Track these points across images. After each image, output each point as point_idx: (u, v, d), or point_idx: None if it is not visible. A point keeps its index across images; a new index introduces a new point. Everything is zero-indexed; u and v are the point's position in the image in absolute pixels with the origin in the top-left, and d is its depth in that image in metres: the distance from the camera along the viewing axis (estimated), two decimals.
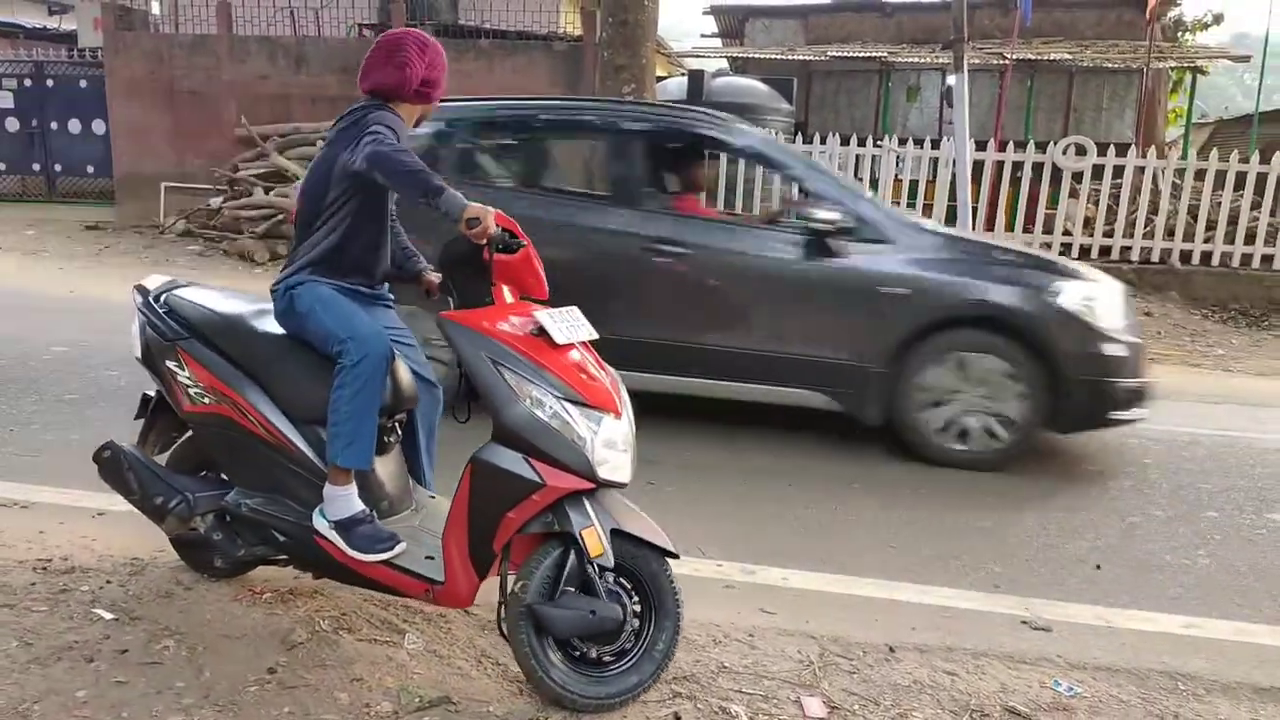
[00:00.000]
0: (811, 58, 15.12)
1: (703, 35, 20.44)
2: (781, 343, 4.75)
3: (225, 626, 2.74)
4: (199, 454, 2.90)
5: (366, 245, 2.72)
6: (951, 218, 10.87)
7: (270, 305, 2.76)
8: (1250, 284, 10.32)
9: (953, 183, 10.69)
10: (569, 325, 2.47)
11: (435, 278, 2.88)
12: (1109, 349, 4.59)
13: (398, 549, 2.55)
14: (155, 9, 14.27)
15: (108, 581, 2.98)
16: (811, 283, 4.73)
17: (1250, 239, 10.46)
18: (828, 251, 4.68)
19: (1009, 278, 4.63)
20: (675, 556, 2.47)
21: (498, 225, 2.39)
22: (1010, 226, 10.97)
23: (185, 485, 2.74)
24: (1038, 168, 10.91)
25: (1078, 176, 10.83)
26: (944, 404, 4.63)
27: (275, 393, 2.65)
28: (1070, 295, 4.60)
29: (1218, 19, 19.02)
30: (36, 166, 14.59)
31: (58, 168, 14.57)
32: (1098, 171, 10.81)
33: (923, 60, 14.74)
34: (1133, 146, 11.22)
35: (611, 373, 2.54)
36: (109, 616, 2.75)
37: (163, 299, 2.82)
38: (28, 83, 14.32)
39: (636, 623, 2.44)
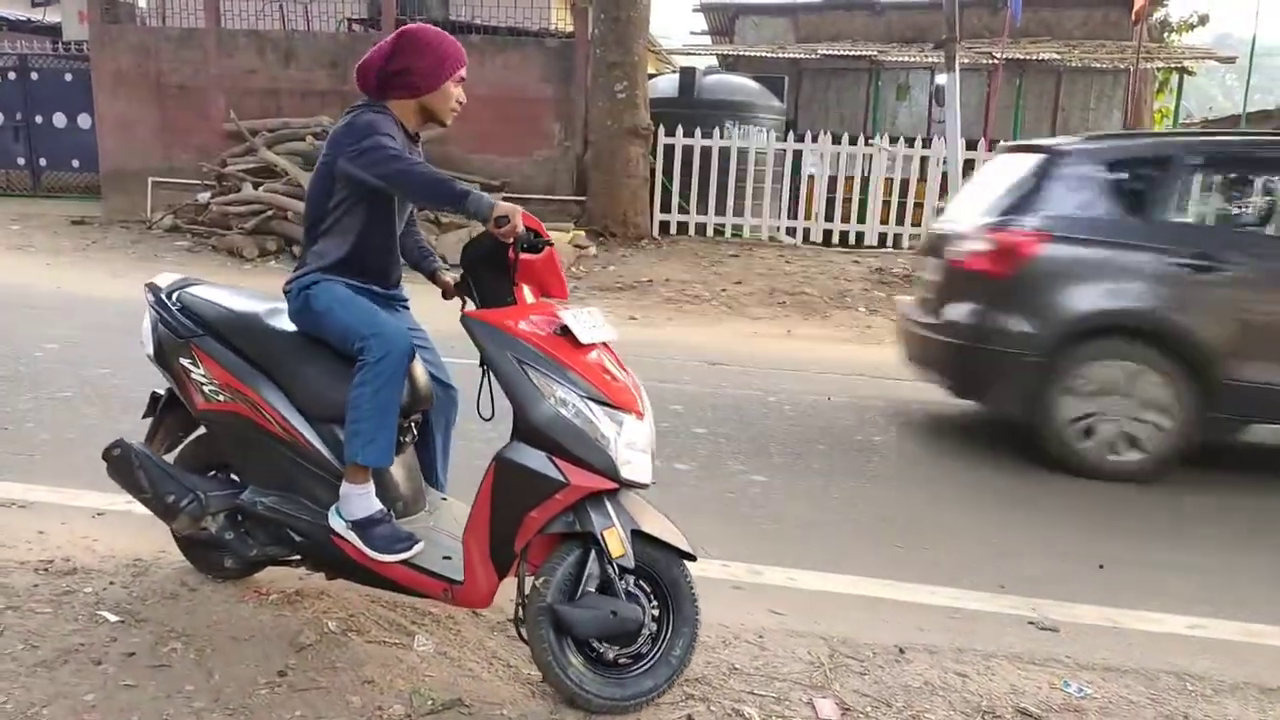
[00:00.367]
0: (801, 56, 15.16)
1: (692, 33, 20.45)
2: None
3: (233, 628, 2.72)
4: (208, 453, 2.87)
5: (379, 248, 2.70)
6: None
7: (284, 303, 2.74)
8: None
9: (943, 182, 10.76)
10: (591, 325, 2.46)
11: (450, 278, 2.87)
12: None
13: (416, 549, 2.53)
14: (141, 2, 14.12)
15: (111, 583, 2.95)
16: None
17: None
18: None
19: None
20: (693, 559, 2.46)
21: (524, 224, 2.38)
22: None
23: (197, 484, 2.71)
24: None
25: None
26: None
27: (291, 390, 2.63)
28: None
29: (1203, 20, 19.18)
30: (21, 161, 14.44)
31: (43, 162, 14.43)
32: None
33: (912, 59, 14.80)
34: None
35: (632, 374, 2.53)
36: (114, 618, 2.72)
37: (175, 296, 2.79)
38: (11, 76, 14.17)
39: (654, 626, 2.43)
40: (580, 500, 2.36)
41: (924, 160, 11.24)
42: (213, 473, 2.86)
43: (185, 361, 2.70)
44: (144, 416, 2.95)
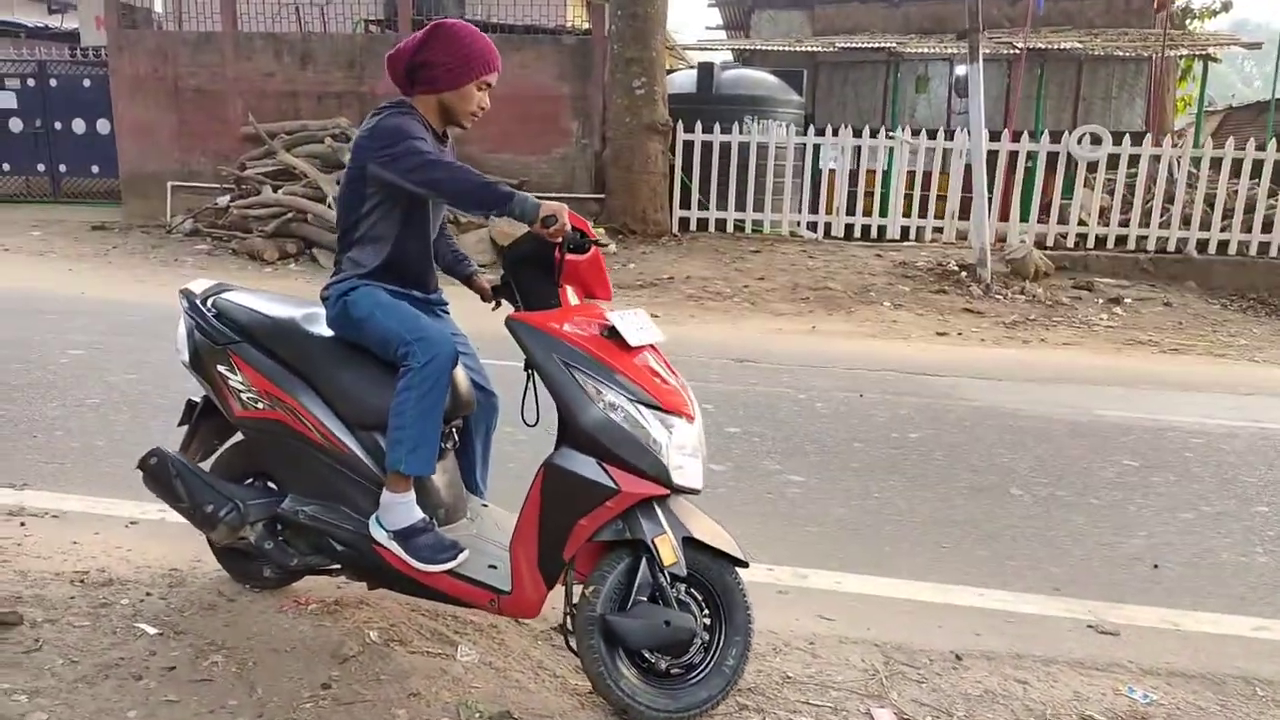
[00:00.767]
0: (819, 49, 15.03)
1: (707, 27, 20.34)
2: None
3: (273, 640, 2.66)
4: (245, 461, 2.82)
5: (416, 254, 2.64)
6: (965, 210, 10.81)
7: (320, 308, 2.69)
8: (1268, 273, 10.25)
9: (966, 174, 10.63)
10: (639, 327, 2.40)
11: (485, 282, 2.82)
12: None
13: (461, 558, 2.47)
14: (158, 6, 14.15)
15: (148, 594, 2.90)
16: None
17: (1267, 227, 10.39)
18: None
19: None
20: (745, 565, 2.39)
21: (571, 224, 2.32)
22: (1024, 217, 10.89)
23: (235, 493, 2.66)
24: (1049, 158, 10.84)
25: (1092, 166, 10.75)
26: None
27: (331, 397, 2.57)
28: None
29: (1226, 6, 18.91)
30: (41, 167, 14.49)
31: (62, 168, 14.47)
32: (1111, 161, 10.74)
33: (931, 50, 14.64)
34: (1147, 135, 11.12)
35: (680, 376, 2.46)
36: (153, 631, 2.67)
37: (210, 302, 2.74)
38: (30, 82, 14.22)
39: (706, 635, 2.37)
40: (630, 507, 2.29)
41: (946, 152, 11.10)
42: (250, 481, 2.81)
43: (223, 369, 2.65)
44: (180, 424, 2.90)
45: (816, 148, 11.53)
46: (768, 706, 2.47)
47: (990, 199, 10.04)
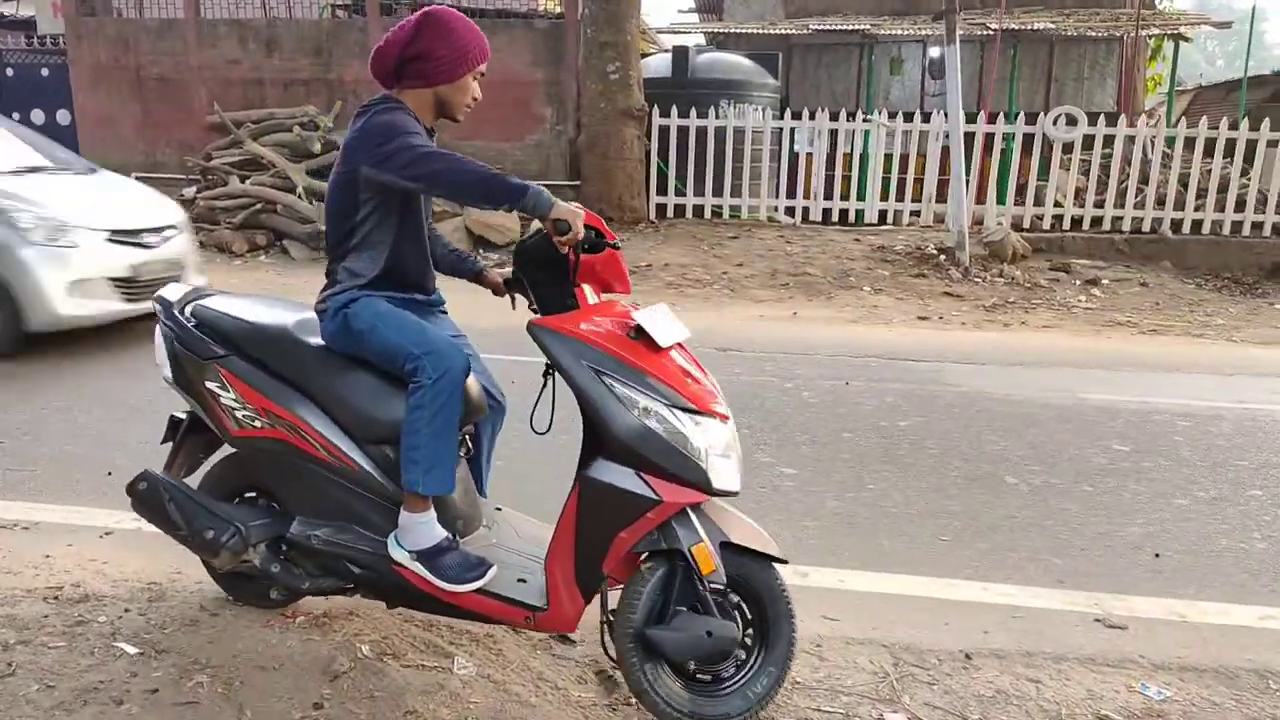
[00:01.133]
0: (792, 31, 14.93)
1: (680, 11, 20.18)
2: None
3: (260, 657, 2.55)
4: (239, 477, 2.66)
5: (415, 257, 2.50)
6: (942, 192, 10.78)
7: (310, 312, 2.54)
8: (1240, 251, 10.31)
9: (943, 156, 10.59)
10: (666, 325, 2.29)
11: (497, 276, 2.68)
12: None
13: (490, 575, 2.34)
14: None
15: (126, 610, 2.77)
16: None
17: (1240, 206, 10.45)
18: None
19: None
20: (784, 562, 2.33)
21: (586, 224, 2.21)
22: (1001, 199, 10.88)
23: (235, 515, 2.49)
24: (1025, 139, 10.82)
25: (1067, 147, 10.75)
26: None
27: (335, 411, 2.41)
28: None
29: None
30: None
31: None
32: (1085, 141, 10.74)
33: (905, 32, 14.58)
34: (1121, 116, 11.13)
35: (708, 374, 2.37)
36: (133, 650, 2.54)
37: (189, 311, 2.56)
38: None
39: (748, 637, 2.31)
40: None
41: (923, 135, 11.06)
42: (246, 498, 2.65)
43: (211, 385, 2.47)
44: (163, 441, 2.72)
45: (793, 132, 11.44)
46: (777, 715, 2.39)
47: (967, 181, 10.01)
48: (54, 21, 13.67)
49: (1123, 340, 7.53)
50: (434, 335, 2.39)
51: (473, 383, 2.49)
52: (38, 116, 13.79)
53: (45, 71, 13.63)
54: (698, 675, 2.29)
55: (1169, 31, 14.47)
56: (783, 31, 14.96)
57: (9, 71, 13.80)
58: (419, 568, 2.35)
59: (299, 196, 10.10)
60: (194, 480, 2.70)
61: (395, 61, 2.43)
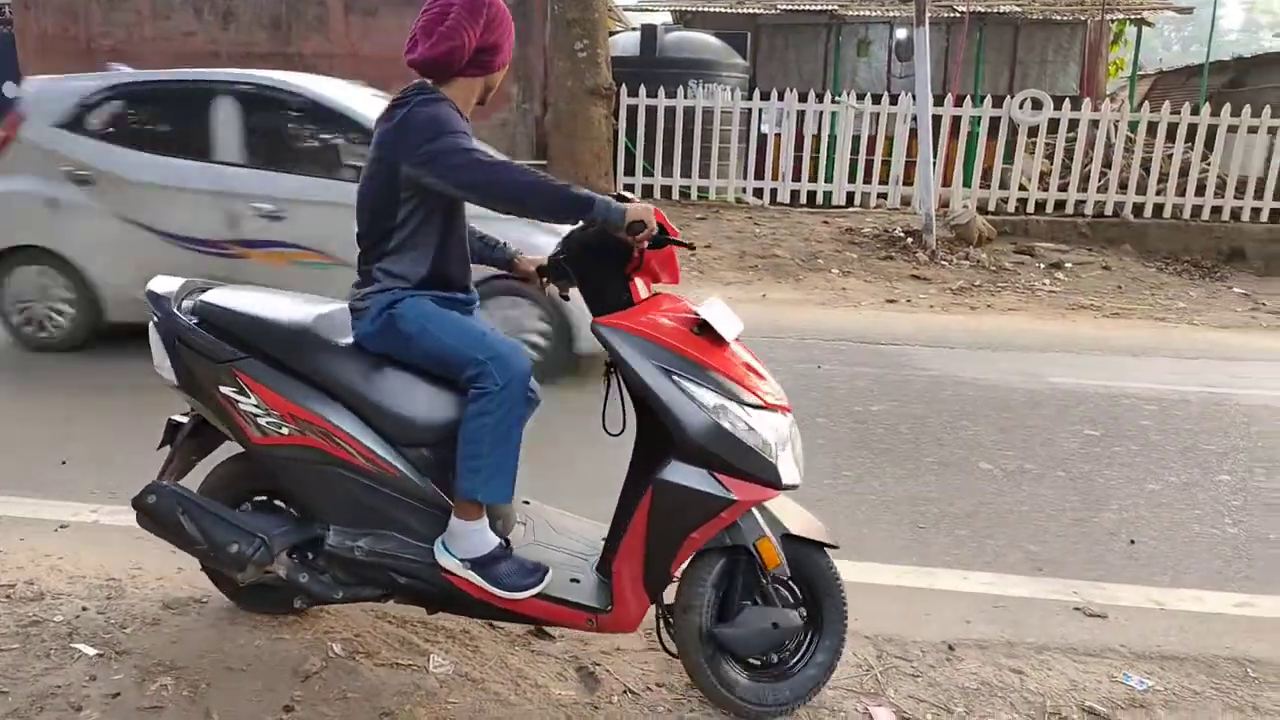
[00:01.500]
0: (760, 11, 14.83)
1: None
2: None
3: (227, 657, 2.46)
4: (245, 483, 2.48)
5: (459, 257, 2.39)
6: (909, 175, 10.79)
7: (329, 306, 2.41)
8: (1200, 235, 10.44)
9: (909, 139, 10.59)
10: (726, 318, 2.25)
11: (530, 263, 2.58)
12: None
13: (547, 580, 2.27)
14: None
15: (83, 609, 2.66)
16: None
17: (1200, 190, 10.58)
18: None
19: None
20: (836, 548, 2.34)
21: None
22: (966, 182, 10.91)
23: (256, 525, 2.31)
24: (990, 123, 10.85)
25: (1032, 131, 10.79)
26: None
27: (368, 414, 2.27)
28: None
29: None
30: None
31: None
32: (1050, 125, 10.80)
33: (872, 14, 14.55)
34: (1085, 100, 11.20)
35: (765, 365, 2.34)
36: (92, 652, 2.44)
37: (190, 308, 2.37)
38: None
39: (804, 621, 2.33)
40: None
41: (890, 117, 11.04)
42: (249, 503, 2.49)
43: (228, 390, 2.29)
44: (160, 446, 2.52)
45: (760, 112, 11.37)
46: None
47: (934, 164, 10.02)
48: None
49: (1087, 324, 7.59)
50: (495, 339, 2.29)
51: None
52: None
53: None
54: (759, 663, 2.32)
55: (1132, 16, 14.58)
56: (750, 11, 14.86)
57: None
58: (474, 576, 2.25)
59: None
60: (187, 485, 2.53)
61: (471, 54, 2.28)
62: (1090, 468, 4.20)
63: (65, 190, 5.20)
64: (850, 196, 11.34)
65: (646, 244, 2.17)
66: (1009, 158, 10.97)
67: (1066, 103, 10.74)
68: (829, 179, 11.37)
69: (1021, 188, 10.90)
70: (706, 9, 15.12)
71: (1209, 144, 10.60)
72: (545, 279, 2.53)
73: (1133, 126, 10.77)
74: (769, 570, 2.22)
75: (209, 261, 4.98)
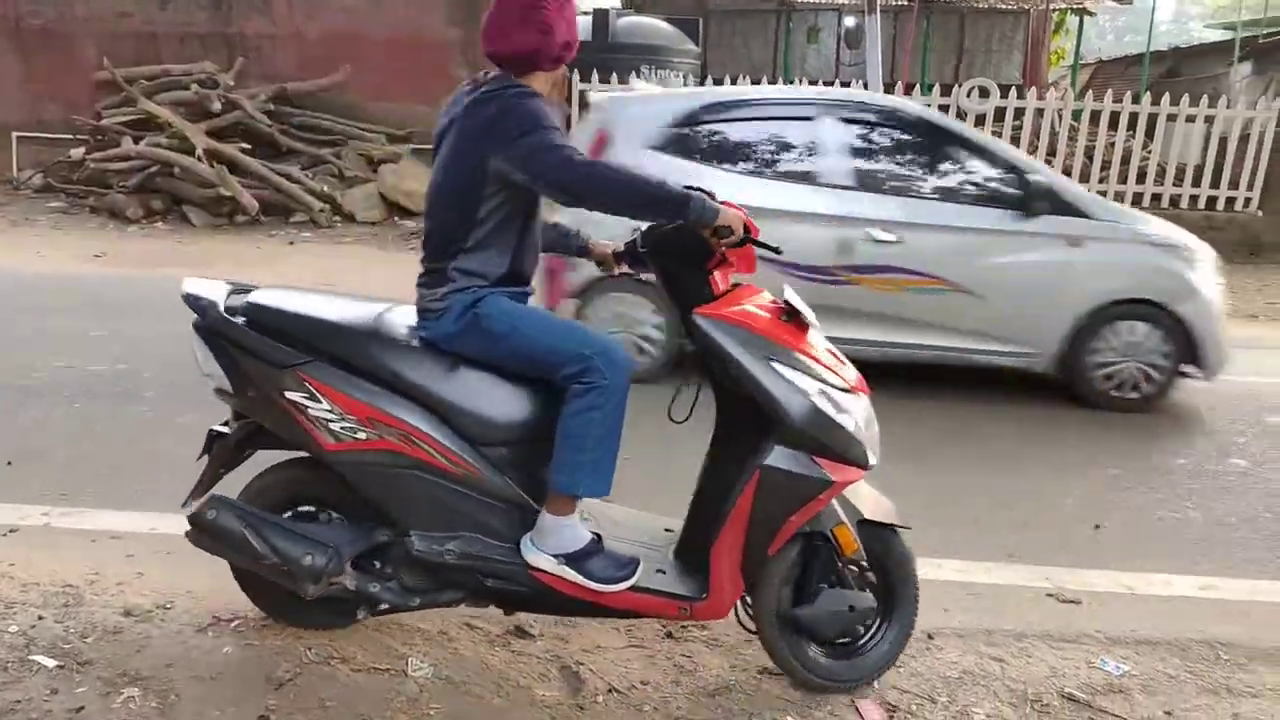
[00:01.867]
0: None
1: None
2: None
3: (195, 665, 2.36)
4: (288, 492, 2.38)
5: (532, 254, 2.35)
6: None
7: (388, 305, 2.35)
8: None
9: None
10: (803, 304, 2.28)
11: (606, 247, 2.55)
12: None
13: (640, 571, 2.26)
14: None
15: (40, 617, 2.54)
16: None
17: (1140, 178, 10.81)
18: None
19: None
20: (908, 529, 2.40)
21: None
22: None
23: (324, 535, 2.25)
24: (938, 110, 10.95)
25: (979, 119, 10.92)
26: None
27: (446, 414, 2.21)
28: None
29: None
30: None
31: None
32: (996, 114, 10.94)
33: (822, 1, 14.60)
34: (1032, 89, 11.38)
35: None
36: (52, 664, 2.33)
37: (237, 309, 2.24)
38: None
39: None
40: None
41: None
42: (294, 513, 2.38)
43: (295, 395, 2.18)
44: (200, 457, 2.39)
45: None
46: (751, 707, 2.34)
47: None
48: None
49: None
50: (595, 334, 2.28)
51: None
52: None
53: None
54: (836, 642, 2.39)
55: (1074, 6, 14.85)
56: None
57: None
58: (568, 572, 2.22)
59: (198, 159, 9.55)
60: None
61: (560, 47, 2.22)
62: (1049, 454, 4.25)
63: None
64: None
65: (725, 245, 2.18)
66: None
67: (1013, 91, 10.89)
68: None
69: None
70: None
71: (1149, 133, 10.84)
72: (620, 264, 2.53)
73: (1076, 115, 10.97)
74: (845, 556, 2.29)
75: (816, 288, 4.57)
